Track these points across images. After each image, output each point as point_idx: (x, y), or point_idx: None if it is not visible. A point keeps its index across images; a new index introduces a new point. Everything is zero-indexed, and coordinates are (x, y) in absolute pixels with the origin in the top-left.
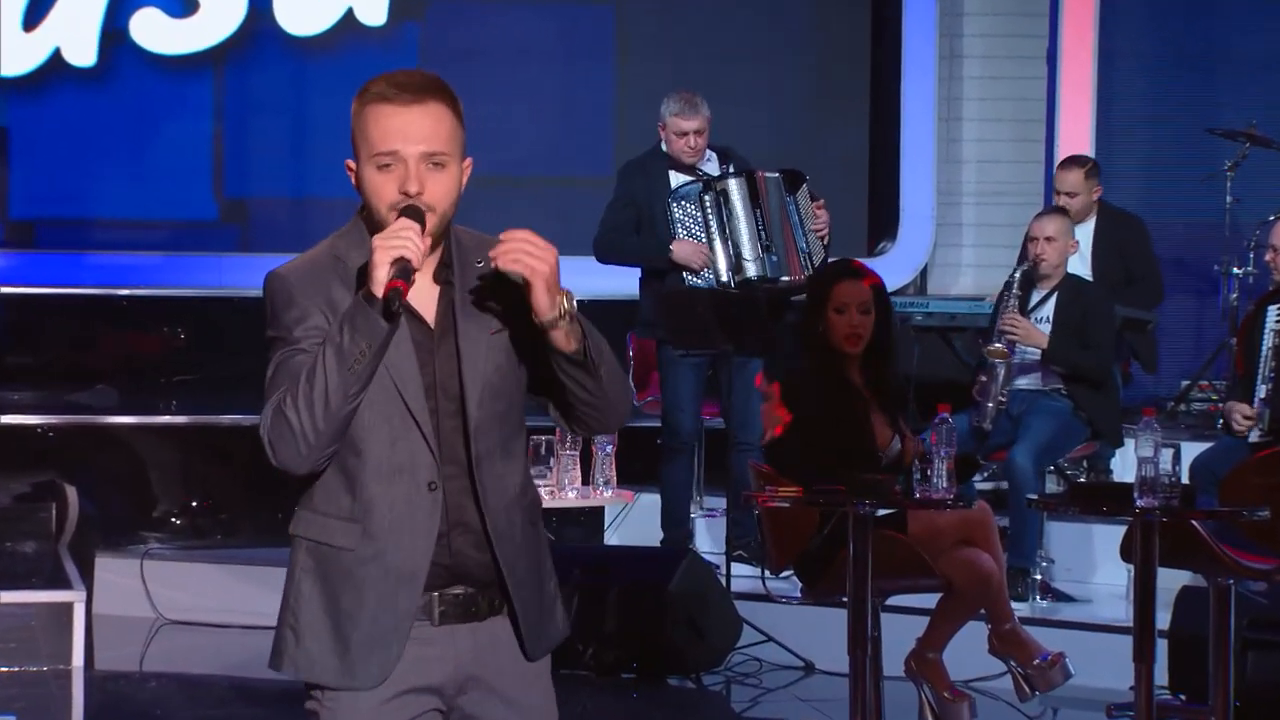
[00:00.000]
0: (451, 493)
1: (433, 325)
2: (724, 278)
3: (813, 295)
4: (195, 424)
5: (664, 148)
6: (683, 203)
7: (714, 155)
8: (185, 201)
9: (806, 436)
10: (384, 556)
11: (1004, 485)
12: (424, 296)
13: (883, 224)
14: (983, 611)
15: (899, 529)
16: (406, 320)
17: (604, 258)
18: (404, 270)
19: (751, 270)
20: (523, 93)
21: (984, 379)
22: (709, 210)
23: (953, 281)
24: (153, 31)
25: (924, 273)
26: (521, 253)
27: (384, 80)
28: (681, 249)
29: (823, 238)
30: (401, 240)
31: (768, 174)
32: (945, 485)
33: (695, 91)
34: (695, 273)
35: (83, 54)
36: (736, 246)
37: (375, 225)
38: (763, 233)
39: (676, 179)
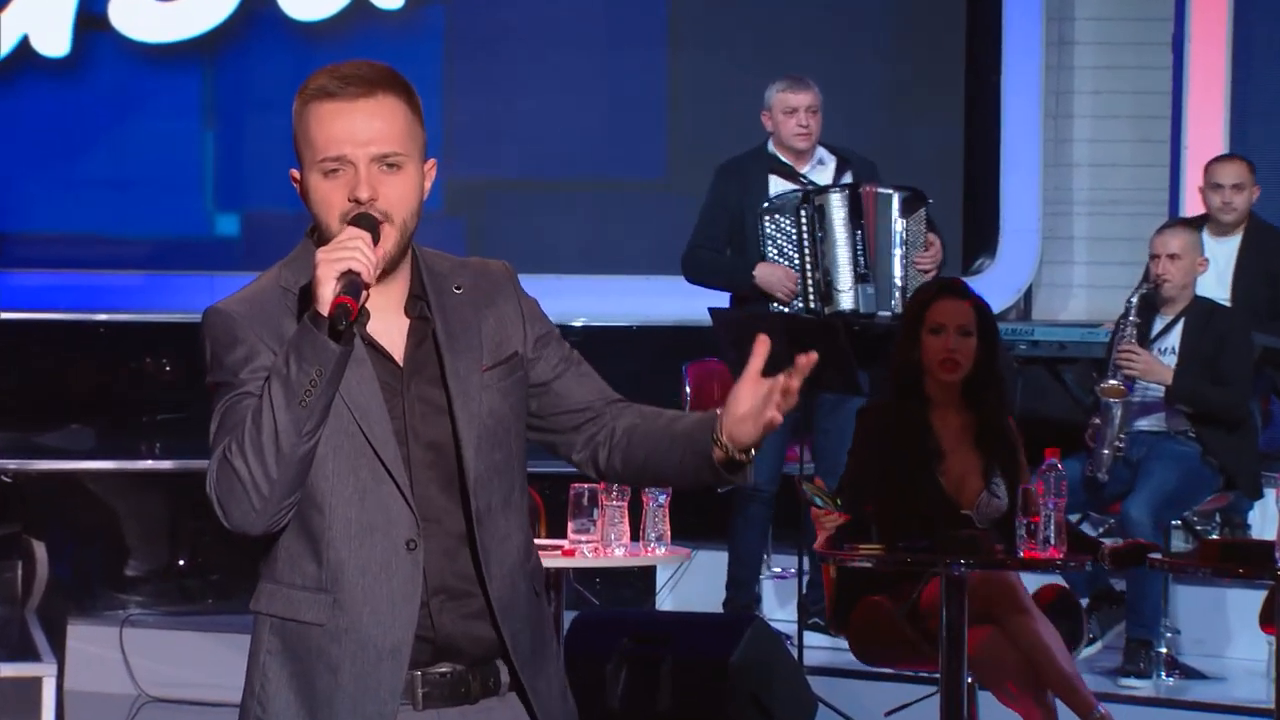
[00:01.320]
0: (432, 554)
1: (400, 363)
2: (812, 306)
3: (906, 315)
4: (183, 470)
5: (770, 147)
6: (776, 216)
7: (830, 159)
8: (172, 213)
9: (864, 483)
10: (359, 630)
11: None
12: (392, 332)
13: (980, 238)
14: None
15: (894, 593)
16: (372, 358)
17: (692, 277)
18: (352, 285)
19: (844, 302)
20: (562, 84)
21: (1098, 420)
22: (804, 226)
23: (1061, 305)
24: (135, 16)
25: (1028, 295)
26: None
27: (325, 74)
28: (767, 273)
29: (926, 273)
30: (348, 251)
31: (880, 189)
32: (1054, 542)
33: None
34: (783, 303)
35: (54, 42)
36: (829, 273)
37: (326, 242)
38: (861, 258)
39: (776, 187)
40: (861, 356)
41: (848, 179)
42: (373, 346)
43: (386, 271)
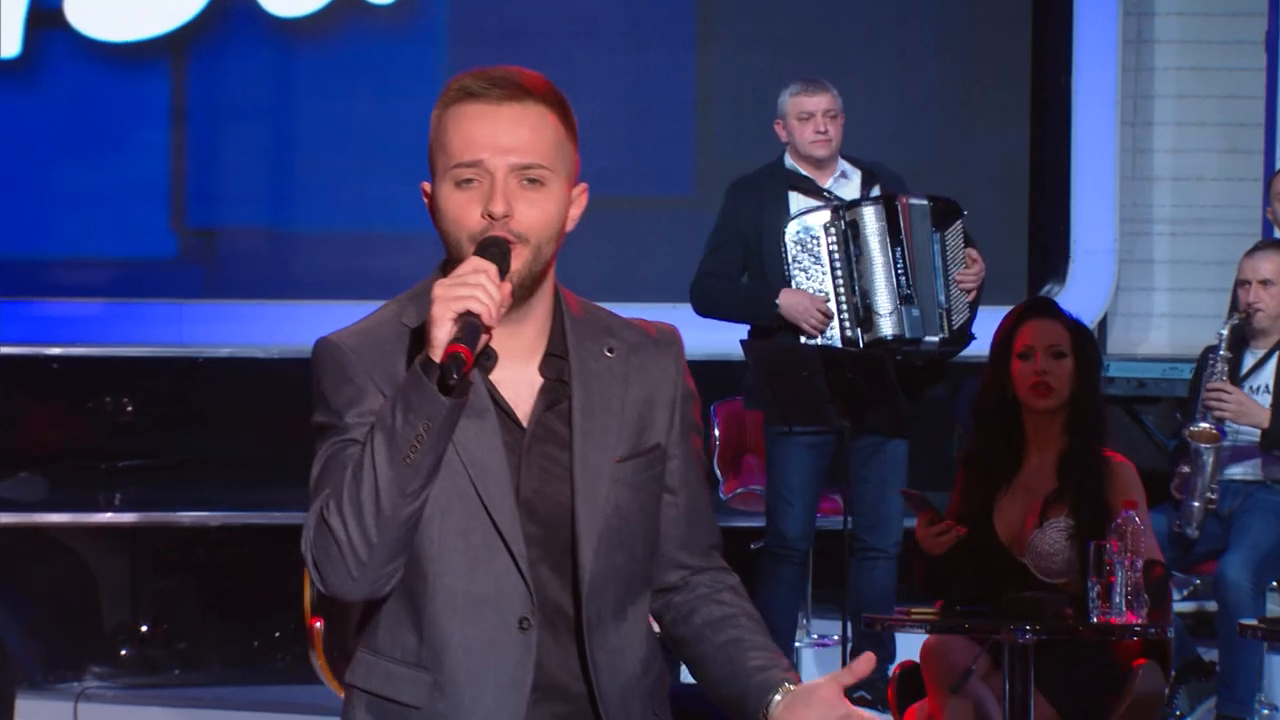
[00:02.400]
0: (546, 643)
1: (524, 425)
2: (849, 333)
3: (993, 344)
4: (147, 524)
5: (787, 161)
6: (801, 236)
7: (855, 172)
8: (135, 233)
9: (922, 558)
10: (460, 718)
11: (1211, 606)
12: (520, 385)
13: (1048, 261)
14: None
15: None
16: (496, 413)
17: (702, 309)
18: (469, 330)
19: (886, 328)
20: (575, 89)
21: (1185, 469)
22: (834, 246)
23: (1141, 337)
24: (93, 12)
25: (1102, 325)
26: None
27: (471, 74)
28: (794, 300)
29: (969, 293)
30: (467, 288)
31: (913, 200)
32: (1134, 607)
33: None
34: (811, 335)
35: (4, 41)
36: (867, 295)
37: (454, 266)
38: (903, 278)
39: (798, 204)
40: (907, 389)
41: (875, 193)
42: (495, 399)
43: (517, 304)
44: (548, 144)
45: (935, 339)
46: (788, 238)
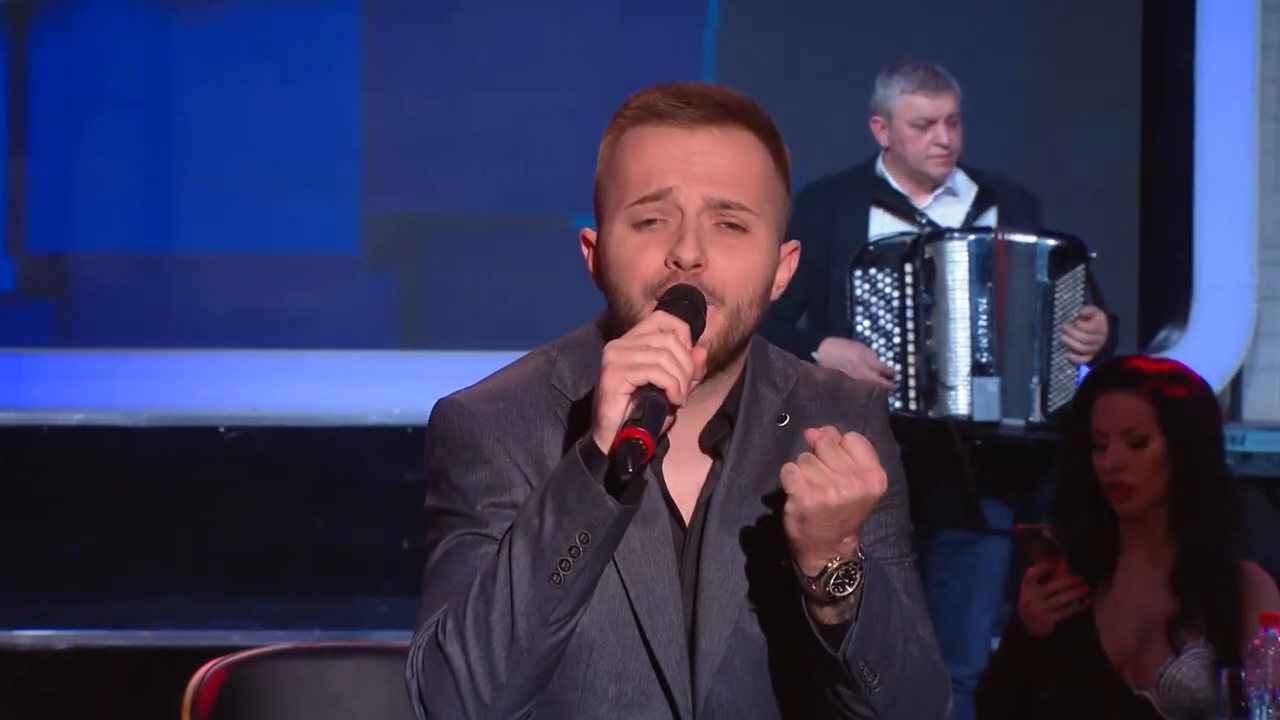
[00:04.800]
0: None
1: (687, 522)
2: (911, 407)
3: (1066, 426)
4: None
5: (878, 166)
6: (872, 271)
7: (968, 188)
8: None
9: (1018, 661)
10: None
11: None
12: (685, 468)
13: (1164, 299)
14: None
15: None
16: (667, 517)
17: None
18: (652, 410)
19: (954, 404)
20: (541, 75)
21: None
22: (909, 288)
23: None
24: None
25: (1236, 384)
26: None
27: (657, 90)
28: (836, 356)
29: (1079, 358)
30: (650, 354)
31: (1018, 236)
32: None
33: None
34: None
35: None
36: (933, 358)
37: (622, 331)
38: (985, 338)
39: (881, 225)
40: (982, 482)
41: (989, 219)
42: (665, 498)
43: (703, 377)
44: (755, 180)
45: (1019, 423)
46: (855, 272)
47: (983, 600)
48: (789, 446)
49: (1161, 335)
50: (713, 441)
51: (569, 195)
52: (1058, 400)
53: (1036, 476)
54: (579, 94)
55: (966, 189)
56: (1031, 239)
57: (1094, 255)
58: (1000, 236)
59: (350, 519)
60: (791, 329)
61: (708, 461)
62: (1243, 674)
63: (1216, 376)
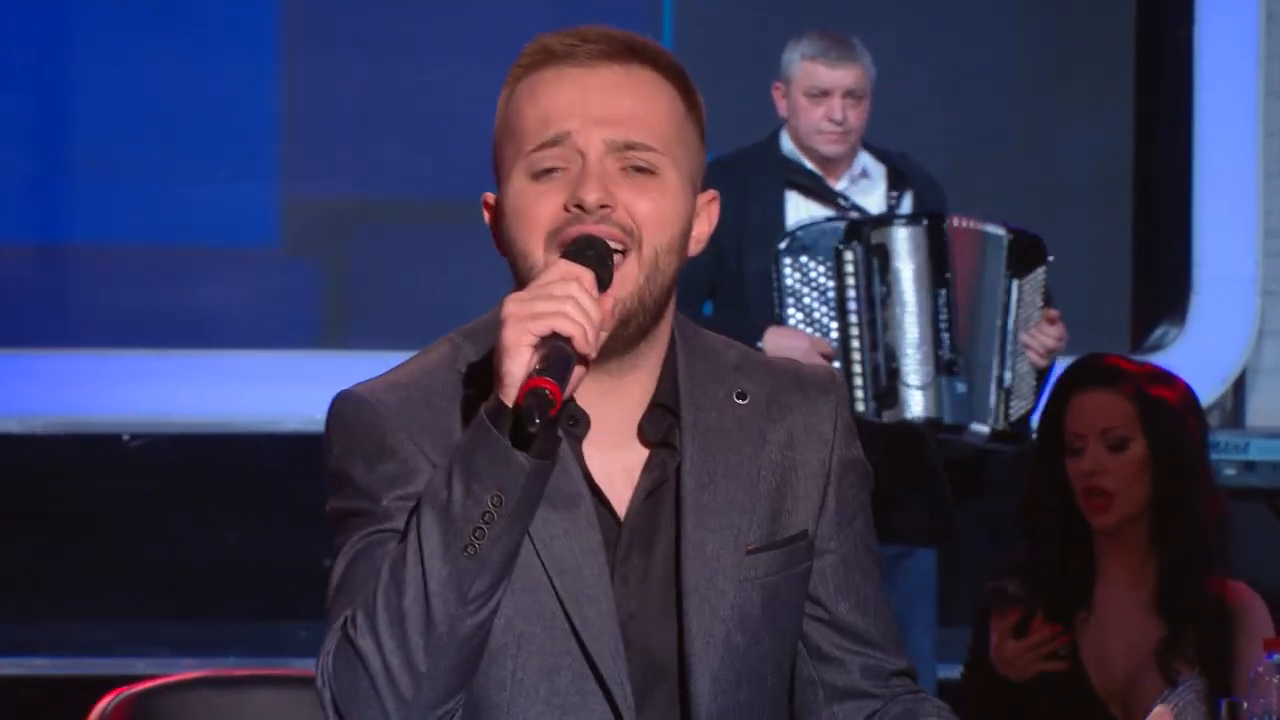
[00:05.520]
0: None
1: (620, 517)
2: (860, 409)
3: (1040, 426)
4: None
5: (784, 144)
6: (802, 257)
7: (877, 169)
8: None
9: (993, 698)
10: None
11: None
12: (618, 465)
13: (1161, 294)
14: None
15: None
16: (592, 502)
17: None
18: (558, 358)
19: (916, 405)
20: (479, 45)
21: None
22: (850, 277)
23: None
24: None
25: (1238, 387)
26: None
27: (555, 33)
28: (783, 345)
29: (1040, 369)
30: (553, 301)
31: (985, 226)
32: None
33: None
34: None
35: None
36: (893, 356)
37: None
38: (947, 335)
39: (799, 210)
40: (956, 480)
41: (907, 203)
42: (590, 483)
43: (620, 349)
44: (662, 120)
45: (984, 429)
46: (784, 260)
47: (922, 620)
48: (753, 428)
49: (1157, 333)
50: (658, 434)
51: None
52: (1018, 409)
53: (978, 484)
54: (504, 65)
55: (876, 171)
56: (993, 228)
57: (1051, 259)
58: (957, 223)
59: (267, 535)
60: (720, 317)
61: (638, 447)
62: (1244, 705)
63: (1218, 378)
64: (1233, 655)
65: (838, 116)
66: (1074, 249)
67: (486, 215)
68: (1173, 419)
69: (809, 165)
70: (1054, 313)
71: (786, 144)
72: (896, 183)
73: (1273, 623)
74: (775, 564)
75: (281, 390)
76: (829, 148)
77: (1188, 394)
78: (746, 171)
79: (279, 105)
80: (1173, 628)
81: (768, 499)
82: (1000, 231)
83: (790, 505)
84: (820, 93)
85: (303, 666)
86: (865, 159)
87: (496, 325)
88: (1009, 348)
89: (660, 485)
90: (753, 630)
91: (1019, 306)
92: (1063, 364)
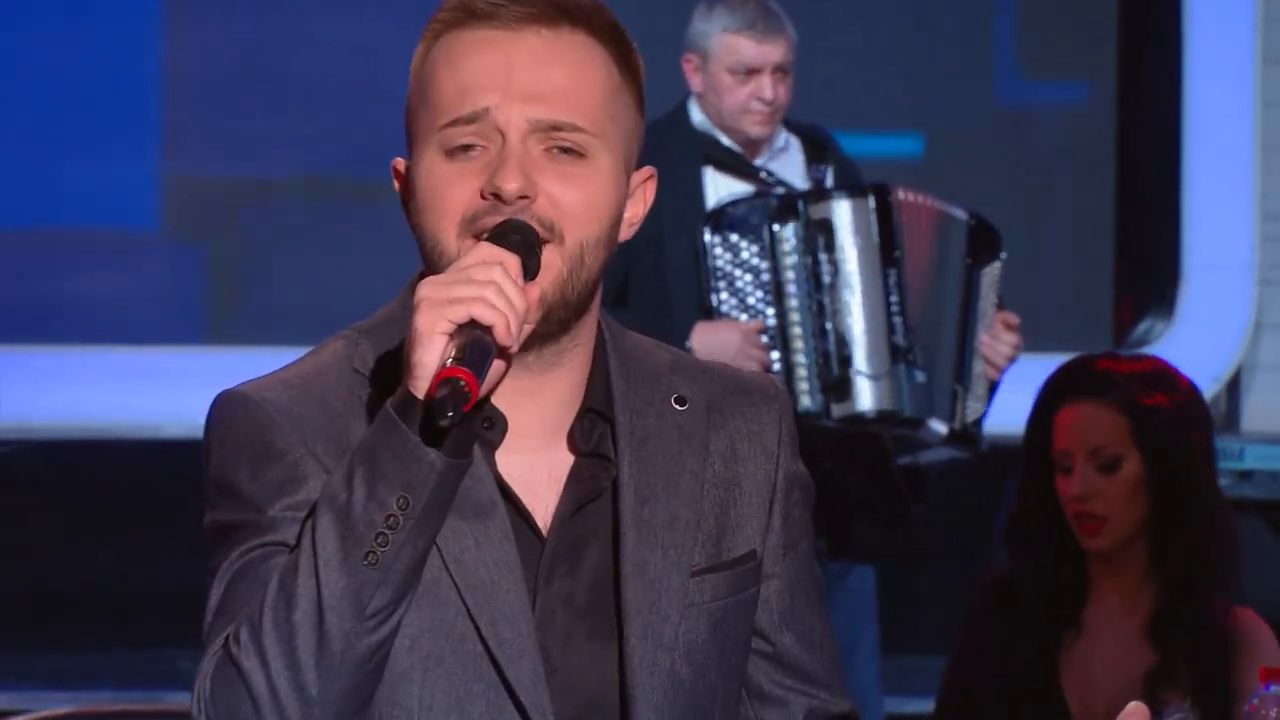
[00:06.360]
0: None
1: (544, 532)
2: (806, 403)
3: (1026, 436)
4: None
5: (694, 115)
6: (732, 236)
7: (793, 141)
8: None
9: (971, 702)
10: None
11: None
12: (536, 472)
13: (1146, 283)
14: None
15: None
16: (508, 511)
17: None
18: (476, 348)
19: (870, 396)
20: (402, 7)
21: None
22: (787, 256)
23: None
24: None
25: (1233, 387)
26: None
27: None
28: (715, 343)
29: (992, 374)
30: (473, 286)
31: (937, 205)
32: None
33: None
34: None
35: None
36: (844, 341)
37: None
38: (899, 319)
39: (718, 189)
40: (904, 484)
41: (830, 176)
42: (504, 490)
43: (540, 344)
44: (594, 94)
45: (942, 427)
46: (711, 240)
47: (867, 643)
48: (695, 436)
49: (1142, 327)
50: (590, 443)
51: None
52: (975, 410)
53: (917, 491)
54: (415, 20)
55: (794, 143)
56: (953, 210)
57: (1004, 256)
58: (905, 196)
59: (145, 555)
60: (638, 315)
61: (561, 454)
62: None
63: (1210, 377)
64: (1233, 686)
65: (768, 96)
66: (1048, 231)
67: (396, 183)
68: (1171, 430)
69: (725, 141)
70: (1014, 318)
71: (697, 116)
72: (816, 155)
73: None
74: (723, 587)
75: (162, 391)
76: (757, 129)
77: (1190, 397)
78: (661, 149)
79: (161, 71)
80: (1165, 655)
81: (712, 515)
82: (961, 215)
83: (735, 523)
84: (747, 71)
85: (183, 701)
86: (782, 132)
87: (399, 318)
88: (968, 343)
89: (592, 499)
90: (700, 661)
91: (978, 300)
92: (1050, 366)
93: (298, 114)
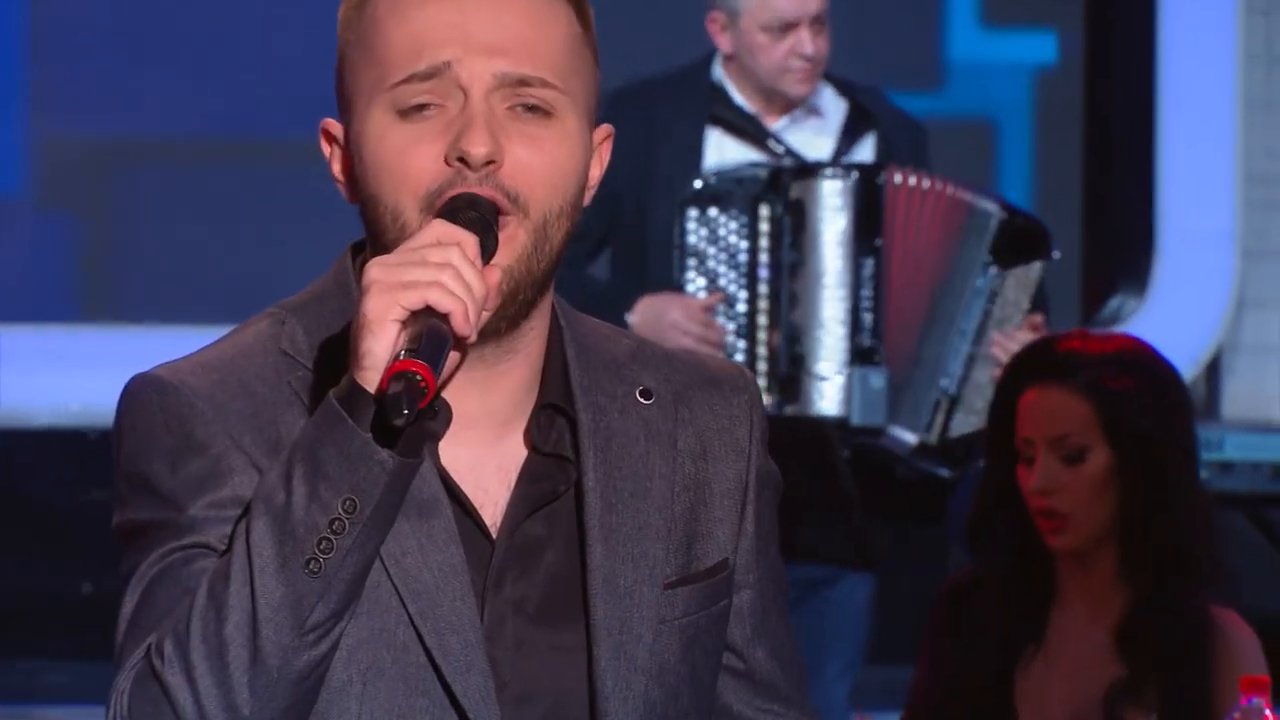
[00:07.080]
0: None
1: (493, 532)
2: (765, 399)
3: (989, 424)
4: None
5: (715, 72)
6: (711, 210)
7: (835, 105)
8: None
9: (931, 711)
10: None
11: None
12: (486, 467)
13: (1116, 255)
14: None
15: None
16: (454, 511)
17: None
18: (431, 340)
19: (821, 399)
20: None
21: None
22: (764, 238)
23: (1278, 390)
24: None
25: (1213, 368)
26: None
27: None
28: (652, 316)
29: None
30: (428, 269)
31: (961, 195)
32: None
33: None
34: None
35: None
36: (797, 337)
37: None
38: (869, 314)
39: (721, 152)
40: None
41: (865, 152)
42: (449, 488)
43: (500, 330)
44: (559, 47)
45: (910, 438)
46: (688, 212)
47: (838, 660)
48: (663, 434)
49: (1113, 304)
50: (547, 443)
51: (314, 113)
52: (965, 424)
53: (928, 507)
54: None
55: (835, 107)
56: (983, 202)
57: (1057, 255)
58: (899, 179)
59: (11, 555)
60: (604, 283)
61: (514, 450)
62: None
63: (1187, 359)
64: (1211, 698)
65: (808, 50)
66: (1009, 198)
67: (326, 148)
68: (1141, 417)
69: (740, 101)
70: (1038, 318)
71: (718, 72)
72: (855, 122)
73: (1265, 659)
74: (695, 601)
75: (30, 375)
76: (799, 88)
77: (1165, 378)
78: (663, 104)
79: (30, 23)
80: (1133, 669)
81: (682, 521)
82: (991, 208)
83: (706, 529)
84: (784, 26)
85: (55, 715)
86: (825, 92)
87: (333, 294)
88: (967, 349)
89: (550, 500)
90: (672, 684)
91: (994, 303)
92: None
93: (179, 69)
